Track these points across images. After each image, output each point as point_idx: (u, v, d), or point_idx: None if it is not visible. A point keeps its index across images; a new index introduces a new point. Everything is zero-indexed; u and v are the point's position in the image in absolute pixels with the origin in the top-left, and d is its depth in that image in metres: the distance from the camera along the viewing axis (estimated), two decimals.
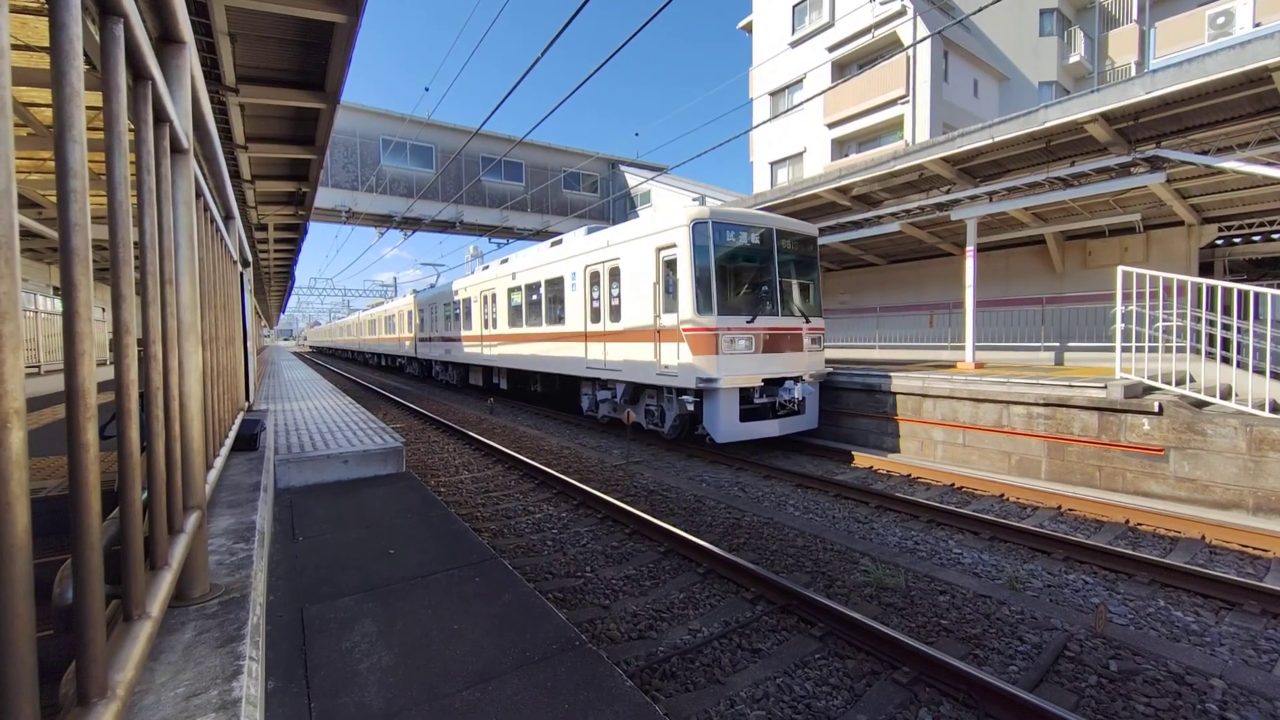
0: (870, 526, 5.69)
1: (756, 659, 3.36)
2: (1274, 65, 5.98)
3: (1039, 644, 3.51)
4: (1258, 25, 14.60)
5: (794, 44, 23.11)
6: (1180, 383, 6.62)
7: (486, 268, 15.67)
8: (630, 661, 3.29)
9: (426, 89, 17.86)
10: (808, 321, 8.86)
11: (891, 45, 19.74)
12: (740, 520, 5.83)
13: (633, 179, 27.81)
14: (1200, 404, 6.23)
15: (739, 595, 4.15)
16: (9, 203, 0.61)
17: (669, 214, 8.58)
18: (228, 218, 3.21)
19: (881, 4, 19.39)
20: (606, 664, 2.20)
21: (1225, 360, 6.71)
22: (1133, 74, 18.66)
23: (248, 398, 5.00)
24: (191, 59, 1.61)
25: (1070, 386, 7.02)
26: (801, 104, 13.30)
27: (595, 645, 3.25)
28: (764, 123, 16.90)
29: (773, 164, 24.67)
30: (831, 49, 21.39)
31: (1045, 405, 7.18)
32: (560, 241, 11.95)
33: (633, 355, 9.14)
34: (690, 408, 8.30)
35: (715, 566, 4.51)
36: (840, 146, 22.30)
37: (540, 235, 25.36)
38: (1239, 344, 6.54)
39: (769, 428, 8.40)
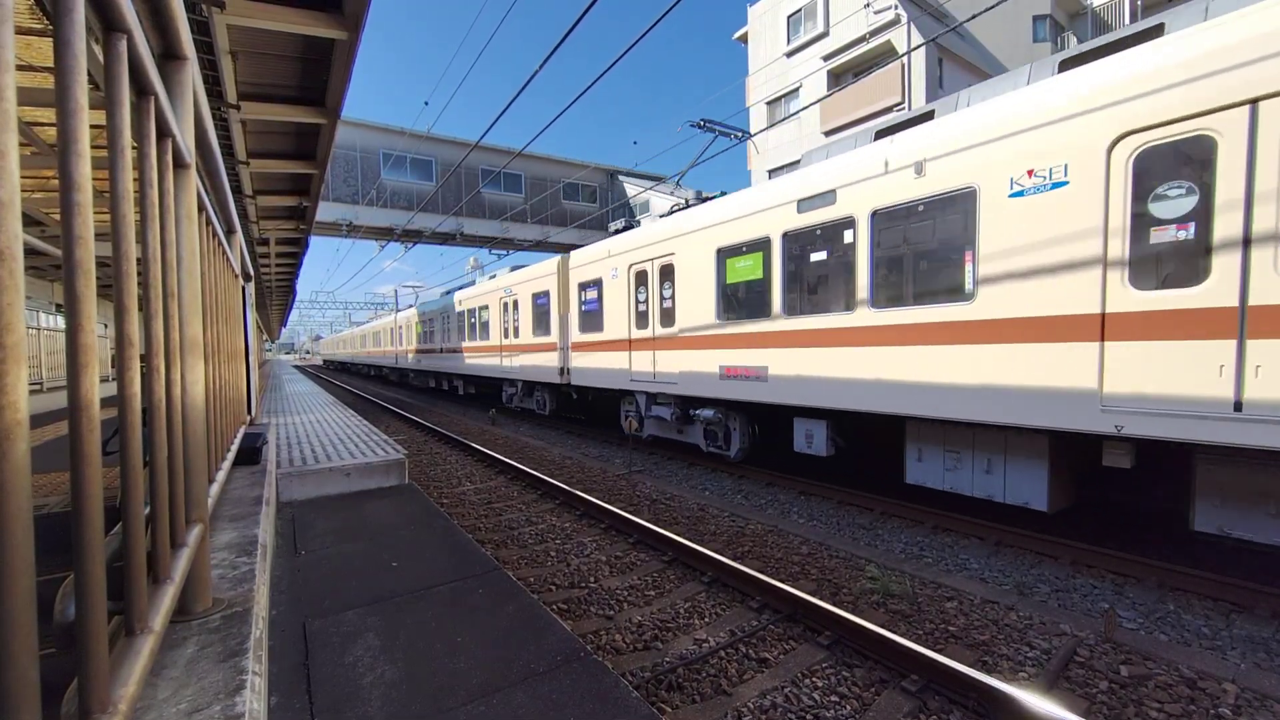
0: (875, 533, 5.65)
1: (763, 669, 3.32)
2: None
3: (1049, 650, 3.47)
4: None
5: (789, 54, 23.32)
6: None
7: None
8: (636, 673, 3.26)
9: (426, 103, 18.06)
10: None
11: (886, 54, 19.91)
12: (744, 528, 5.80)
13: (631, 189, 27.97)
14: None
15: (744, 604, 4.11)
16: (12, 214, 0.61)
17: None
18: (230, 232, 3.23)
19: (876, 13, 19.58)
20: (612, 676, 2.17)
21: None
22: None
23: (250, 411, 5.00)
24: (194, 75, 1.63)
25: None
26: (797, 112, 13.37)
27: (600, 657, 3.23)
28: (761, 131, 17.01)
29: (770, 172, 24.80)
30: (827, 58, 21.57)
31: None
32: None
33: None
34: None
35: (720, 575, 4.48)
36: None
37: (540, 246, 25.52)
38: None
39: None
